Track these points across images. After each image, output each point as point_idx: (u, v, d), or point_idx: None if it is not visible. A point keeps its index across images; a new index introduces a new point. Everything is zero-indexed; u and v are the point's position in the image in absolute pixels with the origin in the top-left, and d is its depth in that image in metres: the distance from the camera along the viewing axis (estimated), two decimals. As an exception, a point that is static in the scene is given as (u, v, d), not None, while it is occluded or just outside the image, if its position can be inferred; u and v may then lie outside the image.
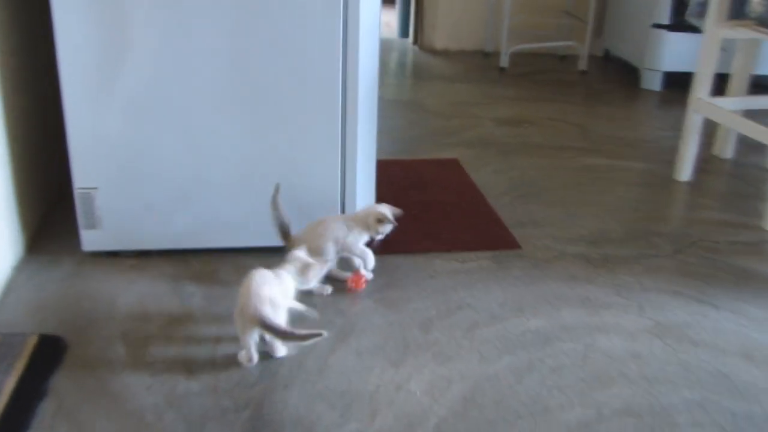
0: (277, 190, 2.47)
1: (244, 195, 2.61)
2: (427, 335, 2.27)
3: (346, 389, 2.00)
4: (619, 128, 4.43)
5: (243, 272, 2.54)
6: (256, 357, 2.07)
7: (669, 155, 3.88)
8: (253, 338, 2.04)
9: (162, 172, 2.57)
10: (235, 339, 2.18)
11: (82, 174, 2.53)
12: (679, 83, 4.93)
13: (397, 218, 2.49)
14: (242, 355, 2.08)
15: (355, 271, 2.49)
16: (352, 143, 2.59)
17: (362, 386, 2.02)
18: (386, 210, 2.49)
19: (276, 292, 2.03)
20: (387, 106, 4.69)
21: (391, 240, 2.84)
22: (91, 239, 2.63)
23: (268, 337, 2.05)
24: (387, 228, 2.47)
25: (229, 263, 2.62)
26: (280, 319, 2.00)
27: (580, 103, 4.96)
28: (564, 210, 3.25)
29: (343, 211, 2.67)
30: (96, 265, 2.62)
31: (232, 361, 2.09)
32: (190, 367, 2.07)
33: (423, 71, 5.57)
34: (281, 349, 2.11)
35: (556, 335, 2.30)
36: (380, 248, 2.57)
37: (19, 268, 2.54)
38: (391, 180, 3.45)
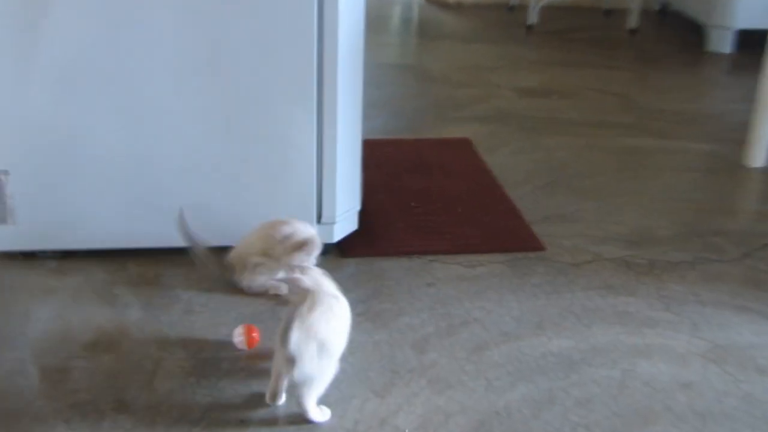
0: (181, 216, 2.52)
1: (194, 184, 2.63)
2: (422, 357, 2.29)
3: (316, 424, 2.01)
4: (674, 100, 4.45)
5: (192, 278, 2.59)
6: (280, 399, 2.06)
7: (738, 134, 3.89)
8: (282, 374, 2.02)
9: (93, 155, 2.58)
10: (179, 363, 2.20)
11: (-11, 154, 2.56)
12: (753, 44, 4.94)
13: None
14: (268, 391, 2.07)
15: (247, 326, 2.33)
16: (330, 117, 2.61)
17: (337, 421, 2.03)
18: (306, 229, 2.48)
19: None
20: (384, 72, 4.72)
21: (379, 237, 2.87)
22: (0, 236, 2.64)
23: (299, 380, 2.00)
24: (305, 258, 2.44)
25: (176, 266, 2.64)
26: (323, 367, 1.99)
27: (627, 69, 4.99)
28: (600, 202, 3.26)
29: (319, 208, 2.69)
30: (5, 267, 2.63)
31: (175, 389, 2.11)
32: (120, 397, 2.09)
33: (430, 29, 5.61)
34: (323, 413, 2.06)
35: (584, 359, 2.31)
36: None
37: None
38: (385, 164, 3.47)
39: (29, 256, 2.69)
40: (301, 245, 2.45)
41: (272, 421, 2.02)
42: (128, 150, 2.59)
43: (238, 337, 2.26)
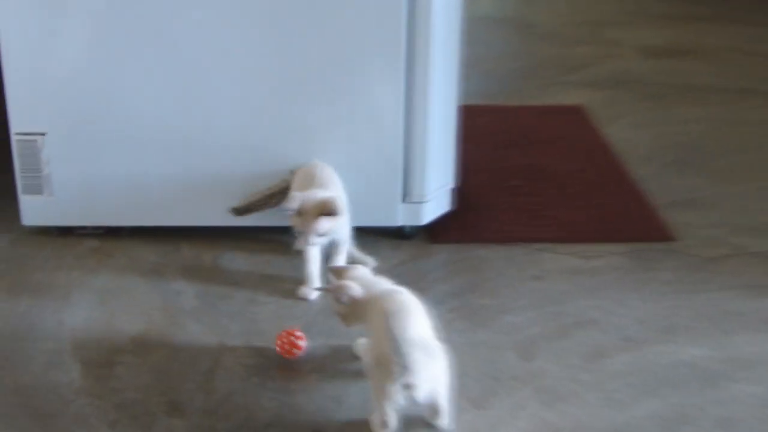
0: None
1: (261, 155, 2.68)
2: (528, 363, 2.30)
3: (402, 437, 2.05)
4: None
5: (252, 262, 2.64)
6: (393, 426, 2.06)
7: None
8: (397, 400, 2.00)
9: (143, 119, 2.65)
10: (241, 360, 2.24)
11: (23, 113, 2.63)
12: None
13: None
14: (374, 422, 2.05)
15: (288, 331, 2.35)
16: (421, 81, 2.64)
17: (427, 433, 2.06)
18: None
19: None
20: (477, 27, 4.71)
21: (476, 221, 2.89)
22: (33, 209, 2.72)
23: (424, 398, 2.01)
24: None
25: (236, 249, 2.70)
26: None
27: (777, 25, 4.94)
28: (742, 185, 3.25)
29: (405, 184, 2.72)
30: (40, 246, 2.71)
31: (237, 390, 2.15)
32: (173, 398, 2.14)
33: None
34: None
35: (724, 372, 2.30)
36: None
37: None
38: (482, 136, 3.49)
39: (65, 233, 2.77)
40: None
41: (349, 430, 2.05)
42: (184, 112, 2.65)
43: (278, 341, 2.29)
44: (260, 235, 2.73)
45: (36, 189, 2.69)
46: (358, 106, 2.65)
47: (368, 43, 2.59)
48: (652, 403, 2.18)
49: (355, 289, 2.09)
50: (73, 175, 2.69)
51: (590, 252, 2.80)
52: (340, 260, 2.55)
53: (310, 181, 2.53)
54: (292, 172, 2.62)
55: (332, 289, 2.13)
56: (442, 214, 2.85)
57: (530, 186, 3.16)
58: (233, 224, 2.72)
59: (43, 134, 2.64)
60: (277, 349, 2.28)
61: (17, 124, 2.64)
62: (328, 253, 2.55)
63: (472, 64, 4.13)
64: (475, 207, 2.99)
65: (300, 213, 2.41)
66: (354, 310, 2.11)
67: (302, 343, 2.28)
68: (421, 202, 2.74)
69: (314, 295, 2.51)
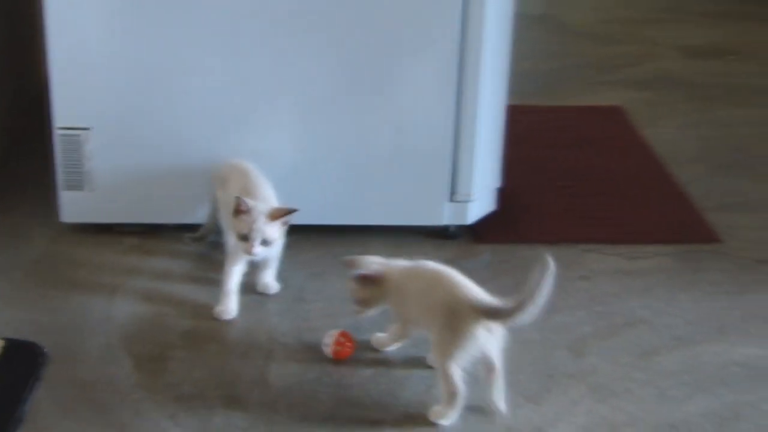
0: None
1: (306, 150, 2.86)
2: (581, 361, 2.48)
3: (460, 430, 2.22)
4: None
5: (302, 261, 2.81)
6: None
7: None
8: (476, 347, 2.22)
9: (187, 115, 2.83)
10: (295, 355, 2.44)
11: (67, 108, 2.79)
12: None
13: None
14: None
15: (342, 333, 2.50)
16: (472, 80, 2.82)
17: (486, 427, 2.23)
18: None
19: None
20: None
21: (521, 221, 3.07)
22: (74, 205, 2.89)
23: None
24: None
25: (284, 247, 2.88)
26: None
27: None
28: (789, 189, 3.42)
29: (453, 182, 2.91)
30: (80, 243, 2.88)
31: (293, 385, 2.34)
32: (230, 392, 2.32)
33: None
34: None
35: (777, 371, 2.49)
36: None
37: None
38: (522, 135, 3.65)
39: (104, 230, 2.94)
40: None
41: (407, 423, 2.23)
42: (229, 109, 2.83)
43: (327, 343, 2.46)
44: (307, 232, 2.89)
45: (77, 185, 2.85)
46: (409, 104, 2.83)
47: (421, 41, 2.78)
48: (707, 400, 2.36)
49: (379, 264, 2.34)
50: (115, 170, 2.86)
51: (637, 253, 2.98)
52: (270, 275, 2.70)
53: (247, 186, 2.66)
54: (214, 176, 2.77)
55: (354, 265, 2.35)
56: (487, 213, 3.03)
57: (574, 186, 3.35)
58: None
59: (87, 129, 2.80)
60: (329, 351, 2.44)
61: (61, 118, 2.80)
62: (252, 270, 2.70)
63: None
64: (519, 207, 3.17)
65: (249, 218, 2.49)
66: (381, 289, 2.33)
67: (351, 344, 2.47)
68: (466, 201, 2.92)
69: (231, 315, 2.61)
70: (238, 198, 2.49)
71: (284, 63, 2.79)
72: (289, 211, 2.52)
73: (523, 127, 3.73)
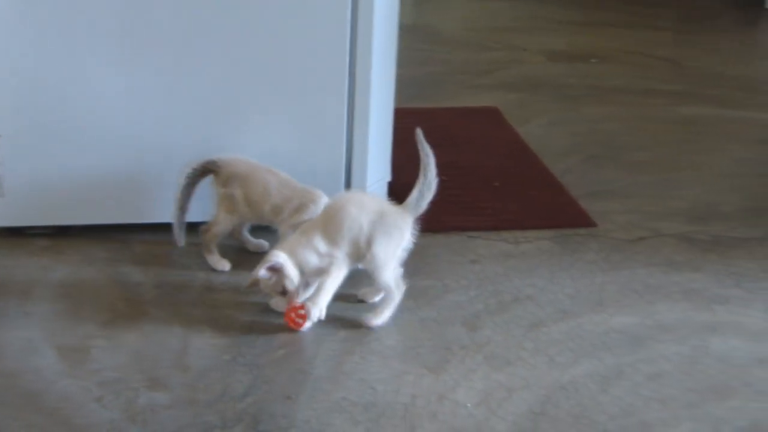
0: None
1: (209, 150, 2.92)
2: (475, 334, 2.64)
3: (371, 400, 2.36)
4: (731, 64, 4.83)
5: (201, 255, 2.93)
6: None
7: (807, 101, 4.28)
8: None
9: (92, 119, 2.91)
10: (209, 341, 2.55)
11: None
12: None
13: None
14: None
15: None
16: (363, 84, 2.98)
17: (392, 397, 2.37)
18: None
19: None
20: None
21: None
22: (-15, 210, 2.95)
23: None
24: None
25: (187, 242, 2.98)
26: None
27: (673, 29, 5.34)
28: (655, 176, 3.66)
29: (348, 175, 3.06)
30: (-7, 246, 2.95)
31: (211, 367, 2.45)
32: (151, 375, 2.42)
33: (436, -18, 5.92)
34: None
35: (651, 335, 2.68)
36: None
37: None
38: (407, 135, 3.79)
39: (15, 233, 3.01)
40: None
41: (320, 397, 2.36)
42: (132, 109, 2.92)
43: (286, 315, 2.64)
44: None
45: (-13, 191, 2.92)
46: (306, 102, 2.97)
47: (314, 52, 2.92)
48: (590, 363, 2.54)
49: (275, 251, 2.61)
50: (25, 175, 2.93)
51: (519, 238, 3.16)
52: None
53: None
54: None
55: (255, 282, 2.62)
56: (380, 206, 3.18)
57: (457, 180, 3.50)
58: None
59: (-3, 137, 2.88)
60: (288, 321, 2.62)
61: (-31, 125, 2.86)
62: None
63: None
64: (408, 200, 3.32)
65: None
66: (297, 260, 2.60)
67: (306, 322, 2.62)
68: (362, 194, 3.06)
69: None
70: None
71: (180, 70, 2.91)
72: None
73: (406, 128, 3.88)
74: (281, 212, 2.79)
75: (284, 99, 2.96)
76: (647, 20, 5.49)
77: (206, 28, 2.87)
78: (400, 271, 2.66)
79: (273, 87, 2.95)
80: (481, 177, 3.55)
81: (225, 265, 2.90)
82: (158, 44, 2.87)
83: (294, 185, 2.83)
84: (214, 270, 2.89)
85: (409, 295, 2.77)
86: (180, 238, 2.90)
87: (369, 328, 2.62)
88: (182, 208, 2.88)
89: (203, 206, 2.92)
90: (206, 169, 2.88)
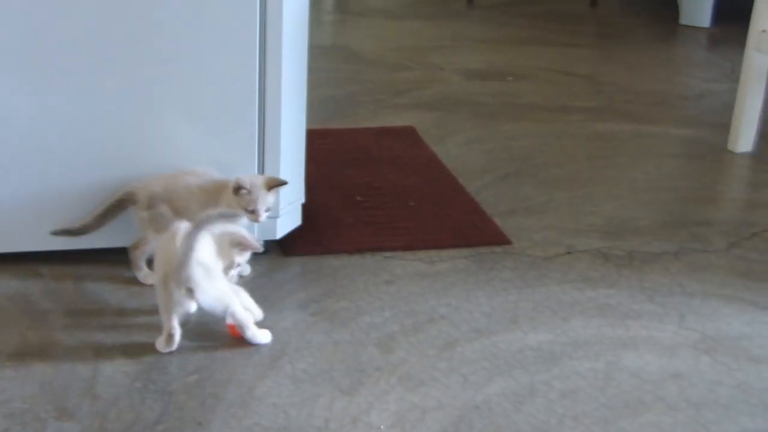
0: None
1: (115, 172, 2.92)
2: (389, 356, 2.64)
3: (283, 425, 2.34)
4: (647, 80, 4.89)
5: (118, 280, 2.90)
6: (177, 339, 2.59)
7: (720, 117, 4.34)
8: (178, 312, 2.57)
9: (12, 146, 2.85)
10: (120, 368, 2.52)
11: None
12: (734, 16, 5.38)
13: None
14: (160, 342, 2.60)
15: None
16: (273, 106, 2.97)
17: (305, 420, 2.36)
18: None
19: (209, 252, 2.57)
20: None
21: (325, 234, 3.22)
22: None
23: (239, 317, 2.59)
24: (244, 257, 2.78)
25: (97, 269, 2.97)
26: (218, 286, 2.56)
27: (590, 46, 5.42)
28: (570, 192, 3.69)
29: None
30: None
31: (122, 395, 2.42)
32: (60, 405, 2.38)
33: (354, 3, 5.94)
34: (264, 334, 2.65)
35: (565, 352, 2.69)
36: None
37: None
38: (323, 156, 3.82)
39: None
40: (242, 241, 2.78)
41: (232, 423, 2.34)
42: (34, 127, 2.87)
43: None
44: (119, 253, 2.96)
45: None
46: (215, 128, 2.95)
47: (223, 70, 2.90)
48: (504, 381, 2.54)
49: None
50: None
51: (435, 257, 3.16)
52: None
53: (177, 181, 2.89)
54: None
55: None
56: (294, 228, 3.17)
57: (373, 200, 3.51)
58: (93, 246, 2.97)
59: None
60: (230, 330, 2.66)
61: None
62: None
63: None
64: (324, 221, 3.32)
65: (251, 192, 2.77)
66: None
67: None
68: (275, 218, 3.04)
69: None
70: (236, 180, 2.78)
71: (78, 90, 2.86)
72: (281, 182, 2.87)
73: (323, 149, 3.90)
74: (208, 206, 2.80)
75: (195, 121, 2.94)
76: (565, 37, 5.55)
77: (117, 46, 2.84)
78: None
79: (183, 110, 2.93)
80: (397, 196, 3.55)
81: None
82: (57, 55, 2.83)
83: (214, 178, 2.91)
84: (126, 298, 2.86)
85: (322, 317, 2.78)
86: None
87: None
88: (86, 231, 2.90)
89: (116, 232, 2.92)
90: (123, 202, 2.88)
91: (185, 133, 2.94)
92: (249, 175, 2.83)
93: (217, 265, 2.60)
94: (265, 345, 2.64)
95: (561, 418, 2.42)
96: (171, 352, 2.60)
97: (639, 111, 4.50)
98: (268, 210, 2.83)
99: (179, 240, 2.52)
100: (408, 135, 4.10)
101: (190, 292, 2.52)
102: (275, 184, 2.84)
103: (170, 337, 2.59)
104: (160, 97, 2.90)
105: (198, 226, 2.49)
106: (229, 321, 2.64)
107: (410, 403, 2.45)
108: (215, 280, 2.57)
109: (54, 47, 2.81)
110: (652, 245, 3.31)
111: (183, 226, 2.57)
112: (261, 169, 2.99)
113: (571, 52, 5.27)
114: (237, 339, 2.65)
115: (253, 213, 2.79)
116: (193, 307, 2.61)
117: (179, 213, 2.83)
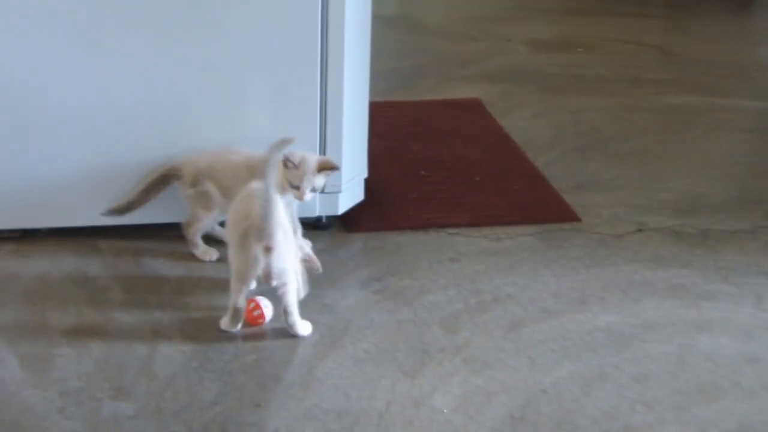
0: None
1: (171, 152, 2.86)
2: (454, 336, 2.56)
3: (344, 407, 2.27)
4: (721, 51, 4.75)
5: (177, 256, 2.85)
6: (242, 318, 2.54)
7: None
8: (253, 276, 2.49)
9: (52, 118, 2.82)
10: (178, 347, 2.46)
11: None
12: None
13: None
14: (225, 321, 2.54)
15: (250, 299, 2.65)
16: (336, 77, 2.89)
17: (367, 403, 2.29)
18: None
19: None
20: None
21: (389, 210, 3.15)
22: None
23: (289, 299, 2.49)
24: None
25: (157, 244, 2.92)
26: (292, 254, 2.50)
27: (660, 17, 5.29)
28: (641, 168, 3.57)
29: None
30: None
31: (178, 374, 2.37)
32: (116, 384, 2.34)
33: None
34: (305, 326, 2.54)
35: (636, 335, 2.60)
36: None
37: None
38: (387, 129, 3.74)
39: (-20, 238, 2.93)
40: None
41: (291, 404, 2.28)
42: (94, 108, 2.83)
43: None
44: (179, 228, 2.91)
45: (-54, 192, 2.84)
46: (276, 99, 2.89)
47: (286, 42, 2.84)
48: (573, 364, 2.46)
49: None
50: (-11, 179, 2.86)
51: (501, 234, 3.08)
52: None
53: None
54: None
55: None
56: (356, 204, 3.10)
57: (437, 175, 3.43)
58: (152, 221, 2.92)
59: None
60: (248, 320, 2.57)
61: None
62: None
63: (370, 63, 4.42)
64: (386, 196, 3.25)
65: (299, 168, 2.67)
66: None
67: (266, 312, 2.57)
68: (336, 192, 2.98)
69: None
70: (286, 155, 2.65)
71: (144, 64, 2.82)
72: (333, 167, 2.75)
73: (386, 122, 3.82)
74: None
75: (256, 94, 2.89)
76: (635, 8, 5.43)
77: (178, 19, 2.79)
78: None
79: (244, 81, 2.87)
80: (462, 171, 3.47)
81: (213, 254, 2.88)
82: (114, 39, 2.79)
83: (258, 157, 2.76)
84: (185, 275, 2.82)
85: (384, 296, 2.72)
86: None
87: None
88: (132, 207, 2.87)
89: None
90: (167, 177, 2.84)
91: (246, 107, 2.89)
92: (303, 153, 2.72)
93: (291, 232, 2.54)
94: (308, 336, 2.54)
95: (632, 404, 2.33)
96: (227, 333, 2.54)
97: (712, 83, 4.37)
98: (314, 190, 2.73)
99: (258, 198, 2.44)
100: (474, 108, 4.01)
101: (269, 251, 2.42)
102: (326, 166, 2.72)
103: (236, 312, 2.50)
104: (220, 72, 2.86)
105: (271, 151, 2.42)
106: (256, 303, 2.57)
107: (475, 385, 2.37)
108: (290, 246, 2.50)
109: (115, 24, 2.77)
110: (726, 223, 3.20)
111: (258, 186, 2.47)
112: (323, 142, 2.93)
113: (641, 23, 5.15)
114: (253, 326, 2.57)
115: (297, 189, 2.70)
116: (253, 282, 2.54)
117: (224, 191, 2.78)
